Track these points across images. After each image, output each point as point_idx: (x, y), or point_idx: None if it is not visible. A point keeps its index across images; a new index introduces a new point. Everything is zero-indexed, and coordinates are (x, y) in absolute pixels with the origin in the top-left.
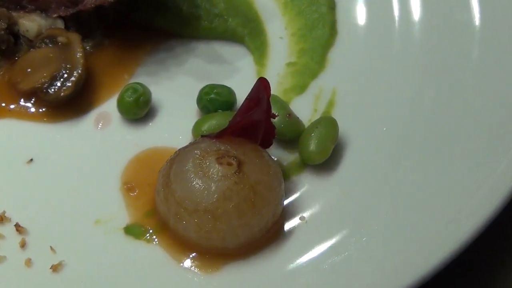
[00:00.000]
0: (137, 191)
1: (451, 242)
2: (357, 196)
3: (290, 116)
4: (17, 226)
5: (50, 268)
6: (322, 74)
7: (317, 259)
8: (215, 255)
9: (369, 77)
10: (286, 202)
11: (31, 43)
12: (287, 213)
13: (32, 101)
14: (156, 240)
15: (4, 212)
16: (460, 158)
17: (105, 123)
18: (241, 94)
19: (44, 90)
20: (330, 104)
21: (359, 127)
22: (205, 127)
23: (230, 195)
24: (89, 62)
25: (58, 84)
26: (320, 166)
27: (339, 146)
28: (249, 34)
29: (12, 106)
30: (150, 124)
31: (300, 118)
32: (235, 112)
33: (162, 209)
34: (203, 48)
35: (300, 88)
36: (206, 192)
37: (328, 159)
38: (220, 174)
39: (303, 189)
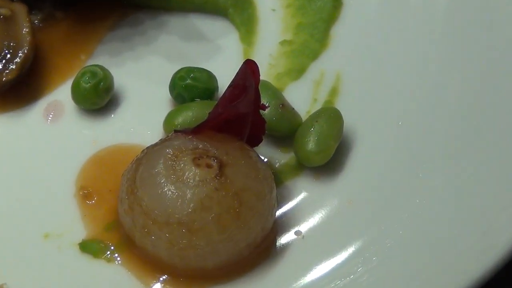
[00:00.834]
0: (95, 198)
1: (483, 266)
2: (366, 206)
3: (284, 107)
4: None
5: None
6: (324, 55)
7: (316, 283)
8: (191, 277)
9: (381, 58)
10: (278, 212)
11: None
12: (280, 226)
13: None
14: (118, 259)
15: None
16: (489, 159)
17: (57, 115)
18: (224, 79)
19: None
20: (334, 92)
21: (369, 121)
22: (180, 120)
23: (209, 204)
24: (37, 39)
25: (0, 66)
26: (321, 169)
27: (344, 143)
28: (233, 5)
29: None
30: (112, 116)
31: (296, 109)
32: (216, 102)
33: (126, 221)
34: (177, 22)
35: (297, 72)
36: (180, 200)
37: (330, 160)
38: (197, 178)
39: (299, 197)
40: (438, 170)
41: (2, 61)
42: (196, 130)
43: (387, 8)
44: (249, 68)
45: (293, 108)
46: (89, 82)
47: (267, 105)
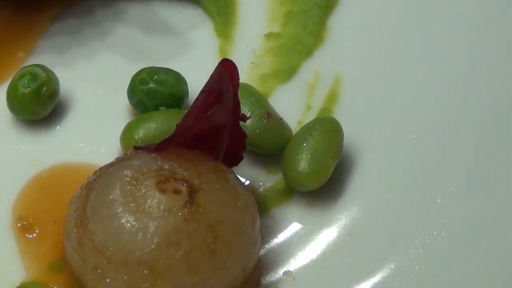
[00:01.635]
0: (37, 231)
1: None
2: (371, 240)
3: (270, 117)
4: None
5: None
6: (319, 51)
7: None
8: None
9: (390, 55)
10: (263, 249)
11: None
12: (265, 266)
13: None
14: None
15: None
16: None
17: None
18: (195, 83)
19: None
20: (331, 97)
21: (374, 133)
22: (140, 134)
23: (177, 239)
24: None
25: None
26: (315, 194)
27: (344, 162)
28: None
29: None
30: (57, 128)
31: (285, 119)
32: (186, 111)
33: (74, 260)
34: (136, 11)
35: (286, 72)
36: (141, 234)
37: (326, 183)
38: (162, 207)
39: (289, 229)
40: (461, 195)
41: None
42: (161, 147)
43: None
44: (226, 69)
45: (281, 118)
46: (29, 87)
47: (248, 114)
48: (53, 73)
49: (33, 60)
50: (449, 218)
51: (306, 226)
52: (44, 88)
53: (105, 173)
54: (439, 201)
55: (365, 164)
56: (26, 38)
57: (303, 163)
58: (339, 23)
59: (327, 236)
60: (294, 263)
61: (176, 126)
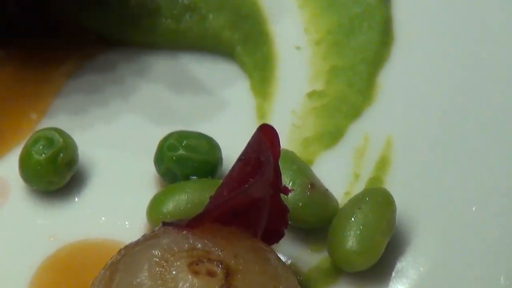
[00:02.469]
0: None
1: None
2: None
3: (314, 188)
4: None
5: None
6: (368, 112)
7: None
8: None
9: (445, 115)
10: None
11: None
12: None
13: None
14: None
15: None
16: None
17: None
18: (230, 149)
19: None
20: (382, 165)
21: (431, 207)
22: (169, 207)
23: None
24: None
25: None
26: (365, 274)
27: (396, 238)
28: (243, 41)
29: None
30: (76, 199)
31: (330, 190)
32: (221, 182)
33: None
34: (164, 65)
35: (331, 136)
36: None
37: (378, 263)
38: None
39: None
40: None
41: None
42: (193, 223)
43: (453, 45)
44: (266, 136)
45: (327, 189)
46: (44, 153)
47: (289, 186)
48: (70, 137)
49: (47, 122)
50: None
51: None
52: (61, 155)
53: (130, 253)
54: (502, 281)
55: (420, 241)
56: (39, 97)
57: (351, 241)
58: (390, 80)
59: None
60: None
61: (210, 198)
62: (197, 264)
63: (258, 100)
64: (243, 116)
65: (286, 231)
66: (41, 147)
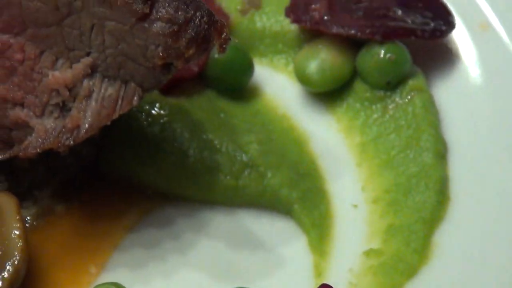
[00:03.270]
0: None
1: None
2: None
3: None
4: None
5: None
6: (425, 271)
7: None
8: None
9: (509, 276)
10: None
11: None
12: None
13: None
14: None
15: None
16: None
17: None
18: None
19: None
20: None
21: None
22: None
23: None
24: (31, 244)
25: None
26: None
27: None
28: (301, 199)
29: None
30: None
31: None
32: None
33: None
34: (221, 221)
35: None
36: None
37: None
38: None
39: None
40: None
41: None
42: None
43: (510, 203)
44: None
45: None
46: None
47: None
48: None
49: (106, 277)
50: None
51: None
52: None
53: None
54: None
55: None
56: (98, 251)
57: None
58: (446, 239)
59: None
60: None
61: None
62: None
63: (316, 258)
64: (300, 273)
65: None
66: None
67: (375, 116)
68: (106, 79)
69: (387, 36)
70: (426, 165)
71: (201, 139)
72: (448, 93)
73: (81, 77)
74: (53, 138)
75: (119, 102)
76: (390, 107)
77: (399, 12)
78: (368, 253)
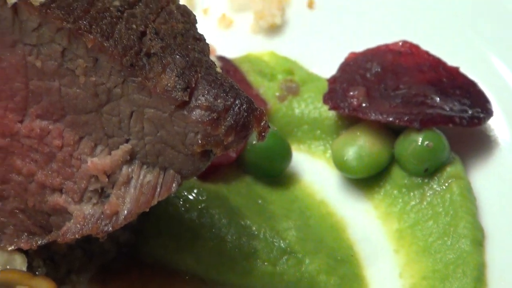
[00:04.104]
0: None
1: None
2: None
3: None
4: None
5: None
6: None
7: None
8: None
9: None
10: None
11: None
12: None
13: None
14: None
15: None
16: None
17: None
18: None
19: None
20: None
21: None
22: None
23: None
24: None
25: None
26: None
27: None
28: (338, 286)
29: None
30: None
31: None
32: None
33: None
34: None
35: None
36: None
37: None
38: None
39: None
40: None
41: None
42: None
43: None
44: None
45: None
46: None
47: None
48: None
49: None
50: None
51: None
52: None
53: None
54: None
55: None
56: None
57: None
58: None
59: None
60: None
61: None
62: None
63: None
64: None
65: None
66: None
67: (412, 203)
68: (145, 166)
69: (425, 124)
70: (463, 252)
71: (239, 225)
72: (485, 179)
73: (120, 163)
74: (92, 224)
75: (158, 189)
76: (428, 194)
77: (437, 100)
78: None
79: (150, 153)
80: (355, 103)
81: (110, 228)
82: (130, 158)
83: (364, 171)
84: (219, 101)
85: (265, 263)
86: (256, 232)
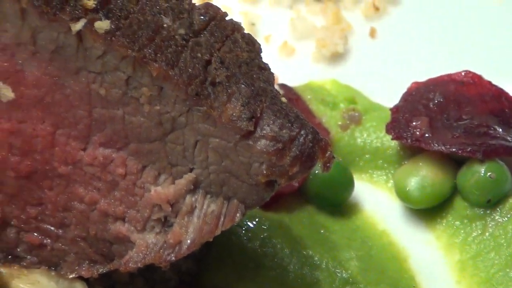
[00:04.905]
0: None
1: None
2: None
3: None
4: None
5: None
6: None
7: None
8: None
9: None
10: None
11: None
12: None
13: None
14: None
15: None
16: None
17: None
18: None
19: None
20: None
21: None
22: None
23: None
24: None
25: None
26: None
27: None
28: None
29: None
30: None
31: None
32: None
33: None
34: None
35: None
36: None
37: None
38: None
39: None
40: None
41: None
42: None
43: None
44: None
45: None
46: None
47: None
48: None
49: None
50: None
51: None
52: None
53: None
54: None
55: None
56: None
57: None
58: None
59: None
60: None
61: None
62: None
63: None
64: None
65: None
66: None
67: (474, 234)
68: (209, 195)
69: (488, 155)
70: None
71: (301, 255)
72: None
73: (184, 193)
74: (155, 253)
75: (222, 218)
76: (490, 225)
77: (500, 130)
78: None
79: (214, 183)
80: (418, 133)
81: (173, 258)
82: (194, 187)
83: (426, 201)
84: (284, 131)
85: None
86: (318, 262)
